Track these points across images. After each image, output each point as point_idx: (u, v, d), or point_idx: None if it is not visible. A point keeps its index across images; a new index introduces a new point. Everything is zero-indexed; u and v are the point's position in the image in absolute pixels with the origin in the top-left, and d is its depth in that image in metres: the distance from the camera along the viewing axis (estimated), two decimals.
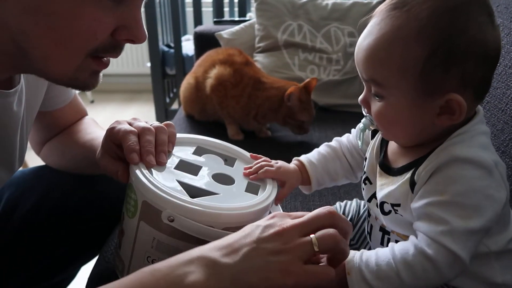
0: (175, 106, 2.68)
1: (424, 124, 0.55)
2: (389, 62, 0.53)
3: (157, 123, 0.68)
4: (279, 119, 1.30)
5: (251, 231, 0.50)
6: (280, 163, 0.71)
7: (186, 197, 0.56)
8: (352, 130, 0.76)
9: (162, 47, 2.54)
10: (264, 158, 0.71)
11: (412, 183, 0.55)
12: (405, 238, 0.59)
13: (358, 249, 0.75)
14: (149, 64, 2.51)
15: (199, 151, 0.70)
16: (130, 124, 0.66)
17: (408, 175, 0.57)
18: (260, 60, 1.63)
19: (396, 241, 0.61)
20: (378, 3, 1.65)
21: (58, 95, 0.85)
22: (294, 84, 1.29)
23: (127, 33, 0.58)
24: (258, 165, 0.69)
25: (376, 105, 0.57)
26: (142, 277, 0.46)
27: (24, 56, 0.56)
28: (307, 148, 1.31)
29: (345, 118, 1.52)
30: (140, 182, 0.57)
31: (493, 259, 0.55)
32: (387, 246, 0.62)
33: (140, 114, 3.11)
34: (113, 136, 0.65)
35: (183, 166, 0.65)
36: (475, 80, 0.53)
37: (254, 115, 1.30)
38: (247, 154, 0.72)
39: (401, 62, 0.52)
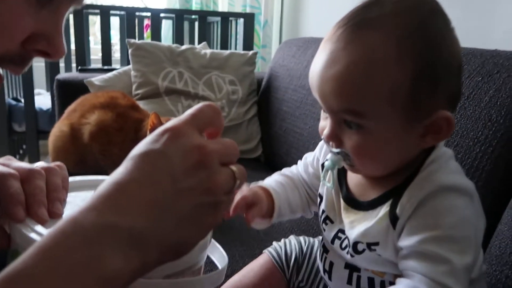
0: None
1: (408, 150, 0.52)
2: (371, 88, 0.48)
3: (43, 163, 0.52)
4: None
5: (162, 167, 0.35)
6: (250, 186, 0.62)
7: None
8: (299, 162, 0.70)
9: (9, 100, 2.20)
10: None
11: (393, 218, 0.50)
12: (381, 274, 0.54)
13: None
14: None
15: None
16: (5, 165, 0.49)
17: (384, 209, 0.52)
18: (141, 107, 1.50)
19: (369, 278, 0.55)
20: (254, 54, 1.70)
21: None
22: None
23: (45, 43, 0.45)
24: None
25: (353, 137, 0.50)
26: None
27: None
28: None
29: None
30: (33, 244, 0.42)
31: (469, 286, 0.53)
32: (356, 284, 0.56)
33: None
34: None
35: None
36: (456, 93, 0.51)
37: None
38: None
39: (385, 87, 0.47)
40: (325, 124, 0.54)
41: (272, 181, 0.67)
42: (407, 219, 0.49)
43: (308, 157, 0.69)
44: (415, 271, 0.47)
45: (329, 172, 0.57)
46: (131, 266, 0.33)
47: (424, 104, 0.48)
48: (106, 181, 0.36)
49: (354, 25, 0.49)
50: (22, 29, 0.43)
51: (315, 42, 1.44)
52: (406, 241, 0.49)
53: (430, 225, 0.48)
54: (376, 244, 0.52)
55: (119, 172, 0.36)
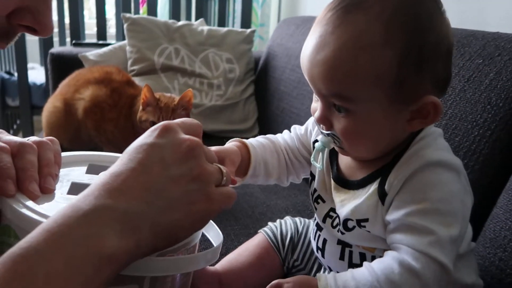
0: None
1: (395, 133, 0.52)
2: (358, 73, 0.48)
3: (35, 137, 0.52)
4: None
5: (154, 156, 0.40)
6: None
7: None
8: (285, 131, 0.69)
9: (2, 74, 2.16)
10: None
11: (382, 194, 0.51)
12: (372, 250, 0.55)
13: (304, 269, 0.68)
14: None
15: (93, 170, 0.57)
16: None
17: (373, 186, 0.53)
18: (136, 83, 1.48)
19: (361, 254, 0.56)
20: (252, 32, 1.68)
21: None
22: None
23: (31, 18, 0.43)
24: None
25: (341, 121, 0.51)
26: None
27: None
28: None
29: None
30: (24, 219, 0.41)
31: (457, 261, 0.53)
32: (349, 259, 0.57)
33: None
34: None
35: (78, 189, 0.50)
36: (443, 78, 0.51)
37: (134, 139, 1.14)
38: None
39: (372, 72, 0.47)
40: (316, 105, 0.54)
41: (253, 140, 0.66)
42: (395, 194, 0.50)
43: (298, 128, 0.69)
44: (401, 243, 0.48)
45: (319, 153, 0.57)
46: (126, 245, 0.35)
47: (410, 88, 0.49)
48: (103, 172, 0.40)
49: (343, 8, 0.49)
50: (6, 2, 0.41)
51: (314, 21, 1.41)
52: (394, 215, 0.49)
53: (417, 198, 0.48)
54: (366, 220, 0.53)
55: (115, 164, 0.40)
